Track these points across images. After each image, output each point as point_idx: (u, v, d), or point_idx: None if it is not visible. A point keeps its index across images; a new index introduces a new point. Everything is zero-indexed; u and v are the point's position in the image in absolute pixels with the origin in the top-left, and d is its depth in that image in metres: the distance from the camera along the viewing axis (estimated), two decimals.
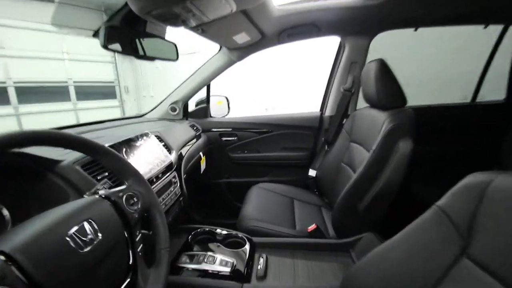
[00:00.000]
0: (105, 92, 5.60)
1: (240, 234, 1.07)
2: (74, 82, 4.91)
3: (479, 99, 1.72)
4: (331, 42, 1.67)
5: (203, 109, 1.77)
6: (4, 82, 3.91)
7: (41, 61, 4.35)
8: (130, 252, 0.53)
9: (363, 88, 1.19)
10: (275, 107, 4.60)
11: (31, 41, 4.17)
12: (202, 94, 1.73)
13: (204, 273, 0.86)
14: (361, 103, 1.36)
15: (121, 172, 0.60)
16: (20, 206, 0.59)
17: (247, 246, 1.01)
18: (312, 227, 1.09)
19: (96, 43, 0.87)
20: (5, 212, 0.53)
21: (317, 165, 1.60)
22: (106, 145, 0.80)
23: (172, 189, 0.98)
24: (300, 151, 1.71)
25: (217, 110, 1.81)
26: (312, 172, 1.59)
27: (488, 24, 1.42)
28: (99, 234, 0.46)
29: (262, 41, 1.42)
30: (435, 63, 2.44)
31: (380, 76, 1.07)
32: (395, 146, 0.96)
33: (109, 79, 5.69)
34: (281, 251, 1.01)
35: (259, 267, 0.90)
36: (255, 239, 1.06)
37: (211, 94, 1.76)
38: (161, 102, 1.65)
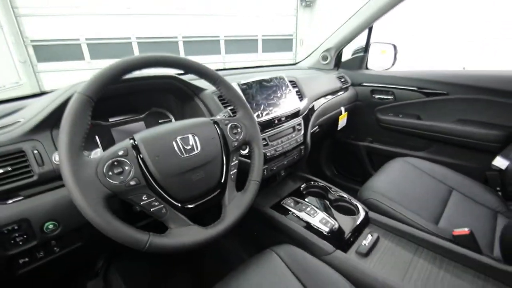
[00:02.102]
0: (281, 45, 6.11)
1: (355, 202, 0.96)
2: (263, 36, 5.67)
3: None
4: None
5: (359, 59, 1.54)
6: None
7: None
8: (224, 172, 0.61)
9: None
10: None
11: None
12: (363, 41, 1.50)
13: (305, 223, 0.87)
14: None
15: (233, 102, 0.67)
16: (180, 115, 0.84)
17: (358, 216, 0.89)
18: (461, 230, 0.77)
19: None
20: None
21: None
22: (242, 82, 0.90)
23: (293, 135, 0.99)
24: (492, 129, 1.15)
25: (377, 61, 1.52)
26: (500, 162, 1.06)
27: None
28: (199, 147, 0.56)
29: None
30: None
31: None
32: None
33: (288, 32, 6.11)
34: (402, 241, 0.81)
35: (364, 243, 0.78)
36: (372, 214, 0.91)
37: (372, 41, 1.48)
38: (314, 50, 1.60)
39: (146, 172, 0.49)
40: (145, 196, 0.48)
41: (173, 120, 0.84)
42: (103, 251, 1.04)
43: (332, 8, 5.54)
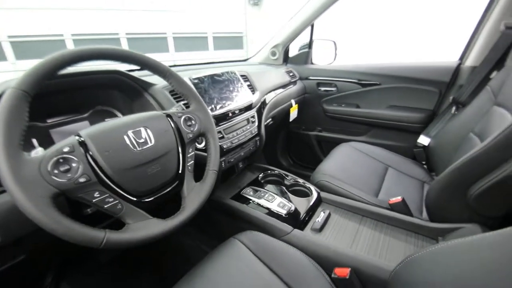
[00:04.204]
0: (233, 43, 6.15)
1: (308, 185, 1.04)
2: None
3: None
4: None
5: (305, 54, 1.65)
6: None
7: None
8: (181, 164, 0.61)
9: None
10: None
11: None
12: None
13: (265, 209, 0.91)
14: None
15: (185, 95, 0.67)
16: (129, 112, 0.79)
17: (311, 197, 0.97)
18: (396, 199, 0.91)
19: None
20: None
21: (434, 132, 1.24)
22: (193, 76, 0.91)
23: (248, 127, 1.03)
24: (415, 112, 1.35)
25: (320, 57, 1.65)
26: (423, 140, 1.25)
27: None
28: (153, 140, 0.55)
29: None
30: None
31: None
32: None
33: (239, 29, 6.16)
34: (349, 214, 0.91)
35: (317, 219, 0.86)
36: (323, 194, 1.00)
37: (315, 38, 1.59)
38: (264, 46, 1.66)
39: (97, 168, 0.47)
40: (97, 193, 0.46)
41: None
42: (52, 264, 0.94)
43: (278, 6, 5.74)
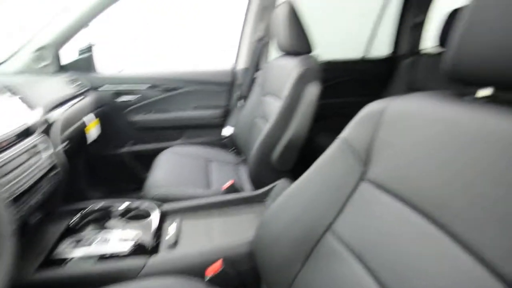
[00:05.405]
0: None
1: (143, 204, 0.92)
2: None
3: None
4: None
5: (86, 60, 1.38)
6: None
7: None
8: None
9: (275, 34, 1.16)
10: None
11: None
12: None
13: (98, 258, 0.70)
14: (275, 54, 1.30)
15: None
16: None
17: (154, 215, 0.87)
18: (227, 184, 1.03)
19: None
20: None
21: (232, 123, 1.52)
22: None
23: (34, 161, 0.72)
24: (214, 109, 1.58)
25: (106, 62, 1.45)
26: (226, 131, 1.50)
27: None
28: None
29: None
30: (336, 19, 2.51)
31: (290, 20, 1.05)
32: (304, 91, 0.96)
33: None
34: (196, 214, 0.92)
35: (168, 234, 0.79)
36: (165, 206, 0.93)
37: (96, 39, 1.38)
38: (19, 50, 1.20)
39: None
40: None
41: None
42: None
43: None
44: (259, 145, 1.07)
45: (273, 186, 0.98)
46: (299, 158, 1.08)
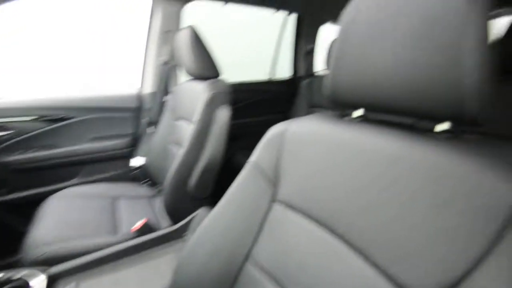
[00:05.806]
0: None
1: (18, 273, 0.70)
2: None
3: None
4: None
5: None
6: None
7: None
8: None
9: (180, 58, 1.13)
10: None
11: None
12: None
13: None
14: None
15: None
16: None
17: (36, 283, 0.67)
18: (137, 225, 0.89)
19: None
20: None
21: (143, 152, 1.37)
22: None
23: None
24: (119, 138, 1.39)
25: None
26: (135, 161, 1.34)
27: (279, 9, 1.70)
28: None
29: None
30: (242, 42, 2.67)
31: (194, 45, 1.04)
32: (214, 115, 0.95)
33: None
34: (98, 271, 0.75)
35: None
36: (52, 269, 0.72)
37: None
38: None
39: None
40: None
41: None
42: None
43: None
44: (174, 172, 0.99)
45: (193, 217, 0.91)
46: (218, 182, 1.05)
